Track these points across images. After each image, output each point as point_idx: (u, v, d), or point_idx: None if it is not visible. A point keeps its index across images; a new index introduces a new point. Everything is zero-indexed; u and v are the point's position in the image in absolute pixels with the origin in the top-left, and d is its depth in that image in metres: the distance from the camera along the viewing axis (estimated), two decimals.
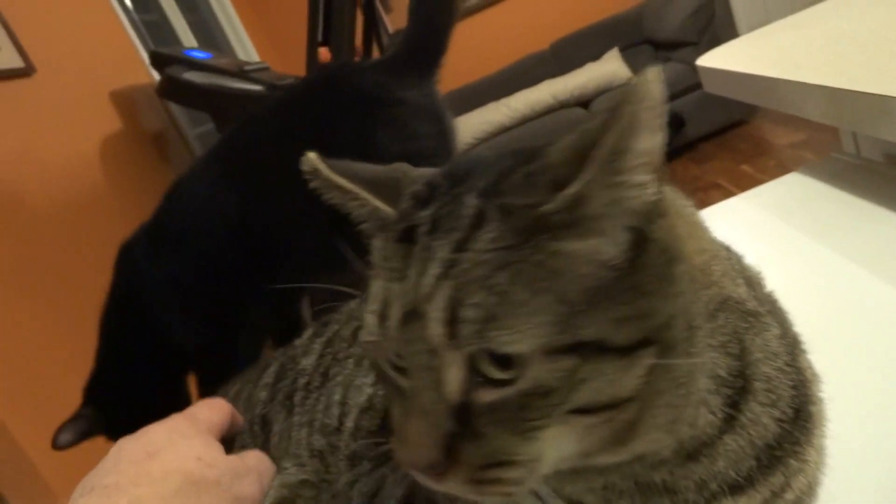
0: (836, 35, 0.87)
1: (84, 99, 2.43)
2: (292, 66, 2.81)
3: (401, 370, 0.34)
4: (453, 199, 0.33)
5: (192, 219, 1.44)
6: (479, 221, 0.31)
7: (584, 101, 3.99)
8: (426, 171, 0.38)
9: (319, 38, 2.29)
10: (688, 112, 3.60)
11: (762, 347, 0.38)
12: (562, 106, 4.00)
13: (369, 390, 0.55)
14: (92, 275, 2.10)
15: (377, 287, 0.34)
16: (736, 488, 0.36)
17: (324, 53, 2.28)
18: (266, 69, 2.79)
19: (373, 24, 2.64)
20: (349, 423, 0.55)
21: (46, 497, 1.71)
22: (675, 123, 3.64)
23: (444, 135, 1.33)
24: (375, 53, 2.72)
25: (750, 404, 0.37)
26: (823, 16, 1.00)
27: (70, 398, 1.84)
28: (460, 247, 0.31)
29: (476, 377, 0.31)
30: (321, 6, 2.26)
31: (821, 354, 0.41)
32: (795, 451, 0.37)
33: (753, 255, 0.43)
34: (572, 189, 0.30)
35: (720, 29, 3.67)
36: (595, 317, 0.30)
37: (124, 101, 2.66)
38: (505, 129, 4.00)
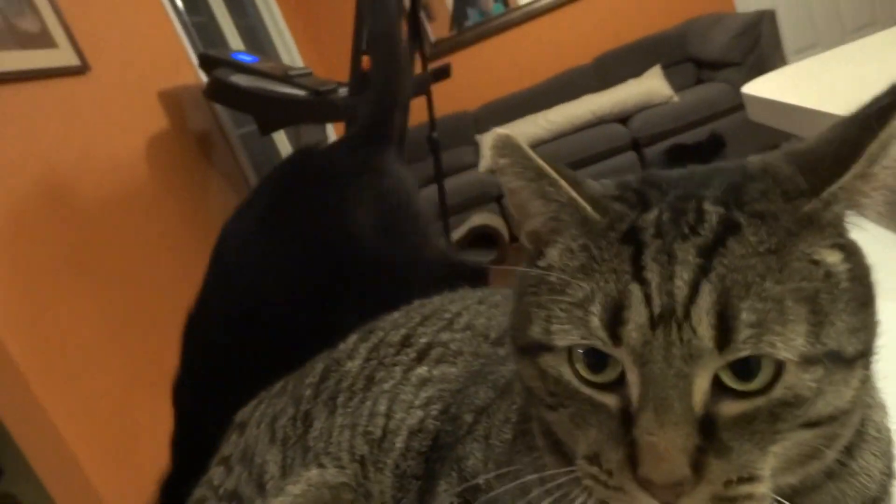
0: (888, 71, 0.86)
1: (134, 97, 2.51)
2: (336, 72, 2.86)
3: (602, 386, 0.33)
4: (679, 205, 0.33)
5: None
6: (731, 226, 0.32)
7: (622, 118, 3.97)
8: (606, 182, 0.38)
9: (363, 45, 2.32)
10: (729, 133, 3.55)
11: (872, 394, 0.37)
12: (600, 121, 3.98)
13: (420, 413, 0.55)
14: (135, 263, 2.17)
15: (587, 287, 0.33)
16: None
17: (367, 61, 2.31)
18: (309, 75, 2.84)
19: (416, 35, 2.66)
20: (399, 444, 0.55)
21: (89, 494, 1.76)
22: (716, 143, 3.60)
23: (410, 199, 1.39)
24: (417, 63, 2.75)
25: (864, 453, 0.36)
26: (878, 48, 0.99)
27: (113, 387, 1.90)
28: (710, 252, 0.31)
29: (719, 388, 0.31)
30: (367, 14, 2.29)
31: None
32: None
33: None
34: (842, 184, 0.32)
35: (766, 50, 3.62)
36: (836, 327, 0.31)
37: (172, 100, 2.73)
38: (542, 143, 3.99)
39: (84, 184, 2.06)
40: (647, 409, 0.31)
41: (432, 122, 2.62)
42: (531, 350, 0.36)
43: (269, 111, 2.50)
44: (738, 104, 2.12)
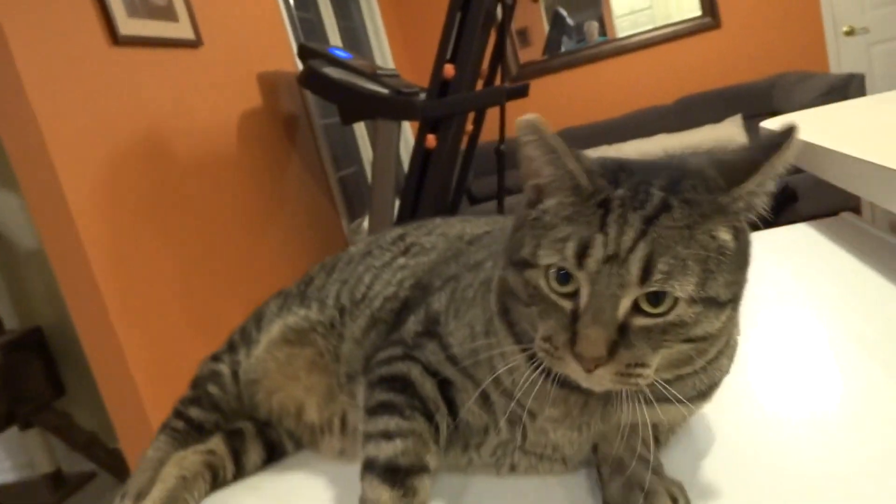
0: None
1: (236, 75, 2.75)
2: (420, 77, 3.04)
3: (563, 295, 0.48)
4: (637, 187, 0.48)
5: None
6: (665, 207, 0.47)
7: None
8: (599, 158, 0.53)
9: (448, 54, 2.48)
10: (802, 188, 3.52)
11: (735, 323, 0.56)
12: None
13: (394, 288, 0.72)
14: (211, 223, 2.38)
15: (568, 230, 0.48)
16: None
17: (448, 69, 2.47)
18: (396, 76, 3.02)
19: (501, 52, 2.81)
20: (376, 304, 0.71)
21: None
22: (788, 197, 3.57)
23: None
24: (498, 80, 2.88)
25: (722, 357, 0.56)
26: None
27: (176, 329, 2.09)
28: (650, 222, 0.46)
29: (636, 308, 0.47)
30: (455, 25, 2.45)
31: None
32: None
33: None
34: (744, 188, 0.47)
35: None
36: (717, 281, 0.47)
37: (268, 83, 2.97)
38: None
39: (179, 145, 2.29)
40: (588, 312, 0.47)
41: (502, 134, 2.75)
42: (520, 265, 0.51)
43: (353, 103, 2.69)
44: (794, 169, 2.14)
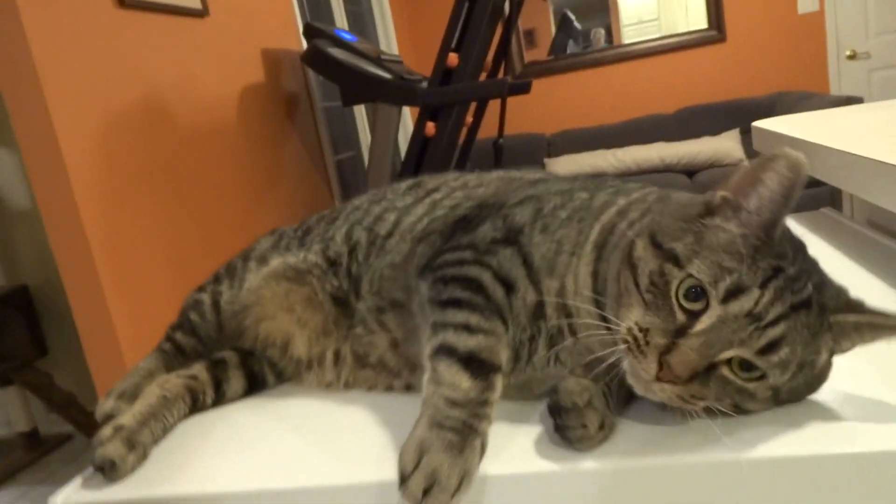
0: None
1: (240, 48, 2.76)
2: (423, 66, 3.05)
3: (684, 307, 0.51)
4: (800, 273, 0.51)
5: None
6: (808, 304, 0.50)
7: (690, 171, 4.02)
8: (787, 228, 0.54)
9: (453, 43, 2.49)
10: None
11: None
12: (667, 169, 4.05)
13: (443, 211, 0.74)
14: (204, 190, 2.38)
15: (733, 265, 0.50)
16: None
17: (452, 58, 2.48)
18: (399, 62, 3.03)
19: (506, 47, 2.82)
20: (419, 228, 0.73)
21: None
22: None
23: None
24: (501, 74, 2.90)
25: None
26: None
27: (164, 291, 2.08)
28: (795, 309, 0.50)
29: (729, 360, 0.50)
30: (463, 14, 2.46)
31: None
32: None
33: None
34: (847, 319, 0.53)
35: None
36: (796, 381, 0.52)
37: (272, 59, 2.97)
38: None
39: (179, 114, 2.30)
40: (699, 337, 0.50)
41: (501, 128, 2.76)
42: (664, 251, 0.53)
43: (355, 85, 2.70)
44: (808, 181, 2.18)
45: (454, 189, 0.78)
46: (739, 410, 0.53)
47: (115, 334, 1.94)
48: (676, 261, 0.52)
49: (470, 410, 0.53)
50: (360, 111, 3.86)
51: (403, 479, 0.49)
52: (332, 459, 0.59)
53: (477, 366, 0.55)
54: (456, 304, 0.60)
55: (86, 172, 1.86)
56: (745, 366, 0.50)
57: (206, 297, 0.82)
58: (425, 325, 0.61)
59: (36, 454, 2.44)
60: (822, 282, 0.53)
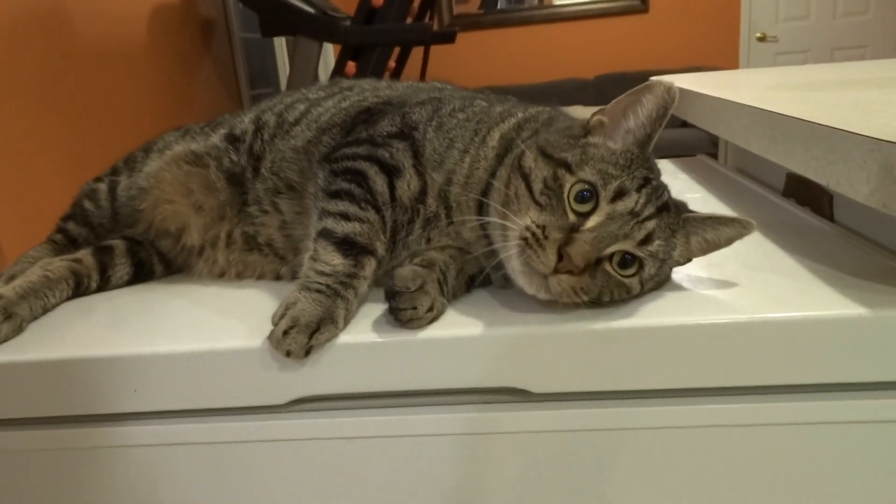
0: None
1: None
2: (348, 4, 2.98)
3: (575, 209, 0.57)
4: (661, 185, 0.61)
5: None
6: (668, 208, 0.60)
7: None
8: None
9: None
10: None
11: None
12: None
13: (347, 103, 0.78)
14: (113, 114, 2.26)
15: (616, 173, 0.58)
16: None
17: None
18: None
19: None
20: (324, 118, 0.77)
21: None
22: None
23: None
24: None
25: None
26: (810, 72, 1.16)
27: (56, 204, 1.99)
28: (660, 211, 0.59)
29: (611, 257, 0.58)
30: None
31: None
32: None
33: None
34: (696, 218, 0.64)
35: None
36: (662, 271, 0.62)
37: None
38: None
39: (85, 23, 2.16)
40: (593, 232, 0.56)
41: (423, 77, 2.76)
42: (556, 161, 0.59)
43: (276, 15, 2.61)
44: (710, 152, 2.32)
45: (364, 89, 0.82)
46: (612, 303, 0.60)
47: (2, 253, 1.85)
48: (568, 167, 0.59)
49: (336, 279, 0.60)
50: (280, 46, 3.74)
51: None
52: (216, 328, 0.62)
53: (349, 247, 0.61)
54: (340, 195, 0.65)
55: None
56: (623, 263, 0.58)
57: (102, 187, 0.82)
58: (315, 211, 0.67)
59: None
60: (671, 195, 0.63)
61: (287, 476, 0.61)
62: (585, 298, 0.57)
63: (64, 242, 0.81)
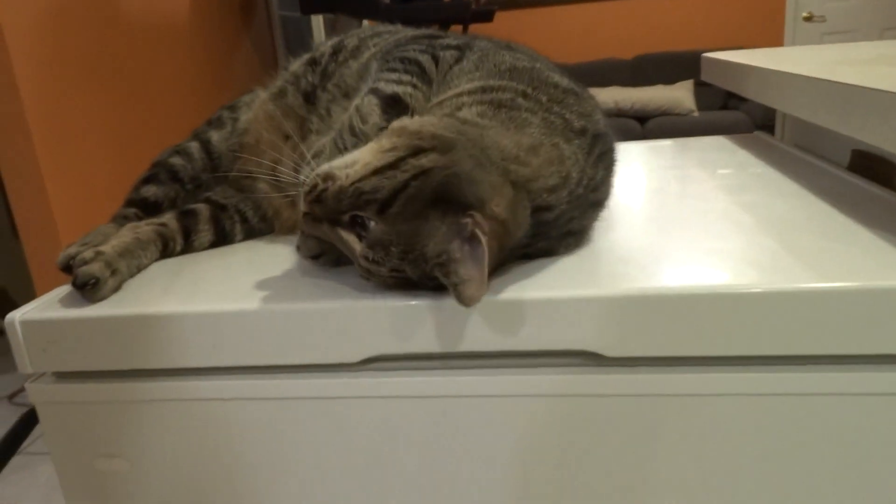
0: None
1: None
2: None
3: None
4: None
5: None
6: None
7: (641, 117, 4.10)
8: None
9: None
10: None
11: None
12: (619, 114, 4.11)
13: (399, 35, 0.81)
14: (150, 84, 2.29)
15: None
16: None
17: None
18: None
19: None
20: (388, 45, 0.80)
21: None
22: None
23: None
24: None
25: None
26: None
27: (104, 179, 2.03)
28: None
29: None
30: None
31: None
32: None
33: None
34: None
35: None
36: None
37: None
38: None
39: (128, 8, 2.19)
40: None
41: None
42: None
43: None
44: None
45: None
46: None
47: (55, 227, 1.89)
48: None
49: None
50: (317, 24, 3.75)
51: None
52: (287, 288, 0.63)
53: (393, 106, 0.62)
54: (394, 70, 0.67)
55: (28, 58, 1.77)
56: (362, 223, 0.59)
57: (193, 144, 0.83)
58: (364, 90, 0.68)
59: None
60: None
61: (357, 434, 0.62)
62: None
63: (138, 215, 0.79)
